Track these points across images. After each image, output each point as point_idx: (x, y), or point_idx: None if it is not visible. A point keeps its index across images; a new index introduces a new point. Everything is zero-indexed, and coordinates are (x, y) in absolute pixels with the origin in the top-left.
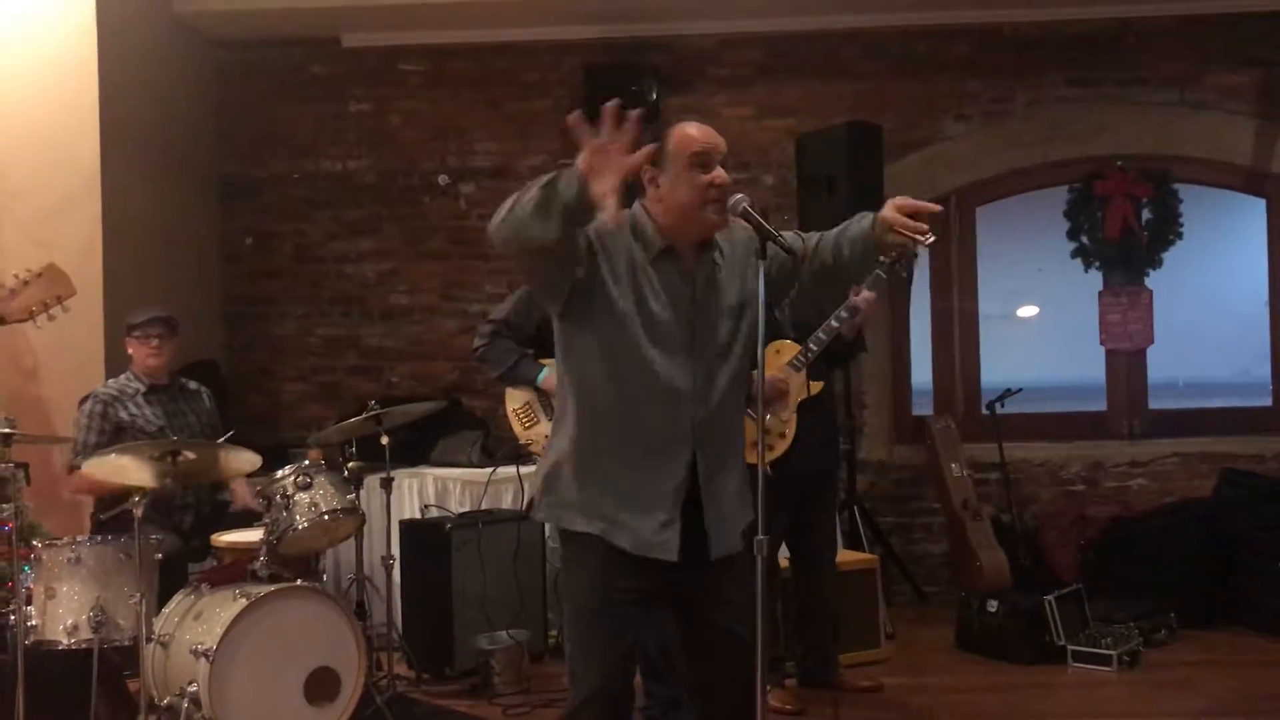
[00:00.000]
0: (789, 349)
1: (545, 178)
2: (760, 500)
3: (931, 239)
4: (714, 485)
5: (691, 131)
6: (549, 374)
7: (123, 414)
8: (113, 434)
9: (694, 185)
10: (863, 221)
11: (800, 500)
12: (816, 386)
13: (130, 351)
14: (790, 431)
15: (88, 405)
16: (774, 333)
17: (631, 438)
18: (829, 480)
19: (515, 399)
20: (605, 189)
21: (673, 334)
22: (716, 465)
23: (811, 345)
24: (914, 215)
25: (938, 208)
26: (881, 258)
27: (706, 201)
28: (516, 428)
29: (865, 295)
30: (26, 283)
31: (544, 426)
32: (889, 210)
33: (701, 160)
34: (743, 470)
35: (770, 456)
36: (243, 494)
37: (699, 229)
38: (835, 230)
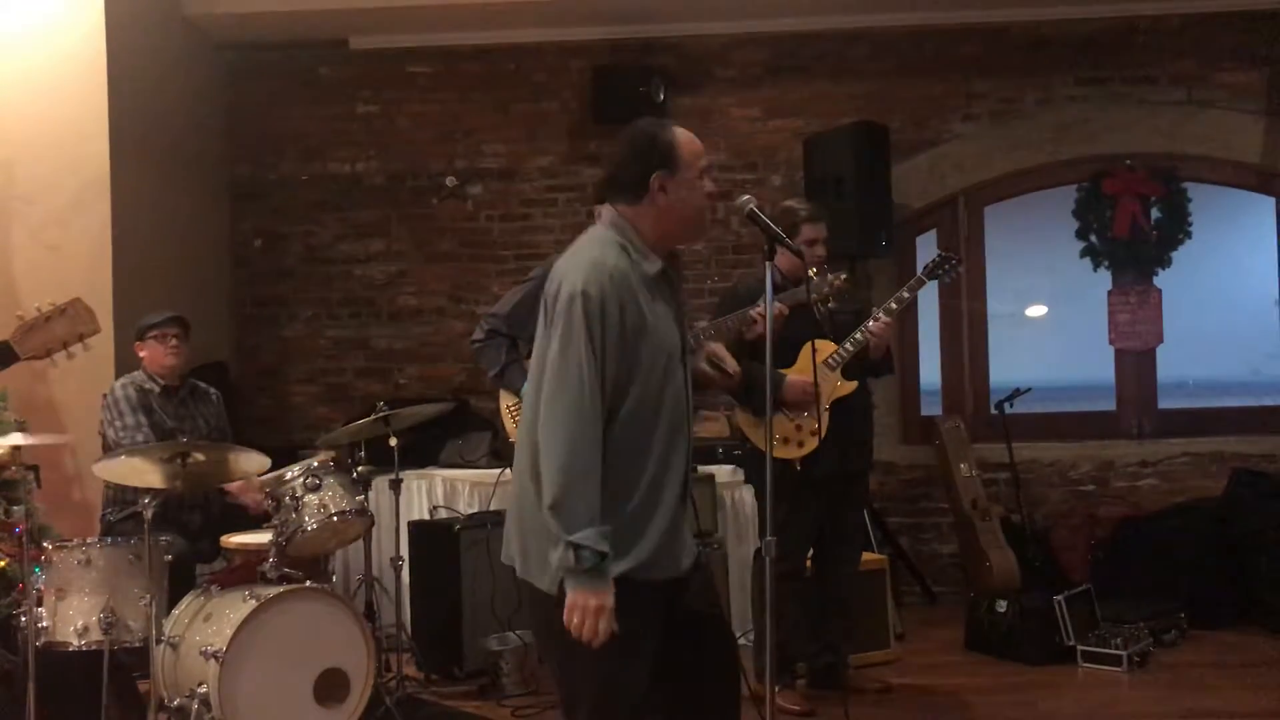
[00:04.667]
0: (826, 347)
1: (586, 559)
2: (769, 499)
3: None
4: (689, 490)
5: (699, 144)
6: None
7: (154, 404)
8: (151, 420)
9: (703, 195)
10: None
11: (830, 500)
12: (849, 386)
13: (143, 355)
14: (822, 429)
15: (118, 392)
16: (814, 331)
17: (653, 461)
18: (860, 482)
19: (509, 397)
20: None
21: (675, 352)
22: (691, 470)
23: (848, 345)
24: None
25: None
26: (928, 263)
27: (707, 212)
28: (509, 425)
29: (881, 322)
30: (48, 318)
31: None
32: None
33: (707, 172)
34: None
35: (800, 454)
36: (248, 496)
37: (689, 238)
38: None
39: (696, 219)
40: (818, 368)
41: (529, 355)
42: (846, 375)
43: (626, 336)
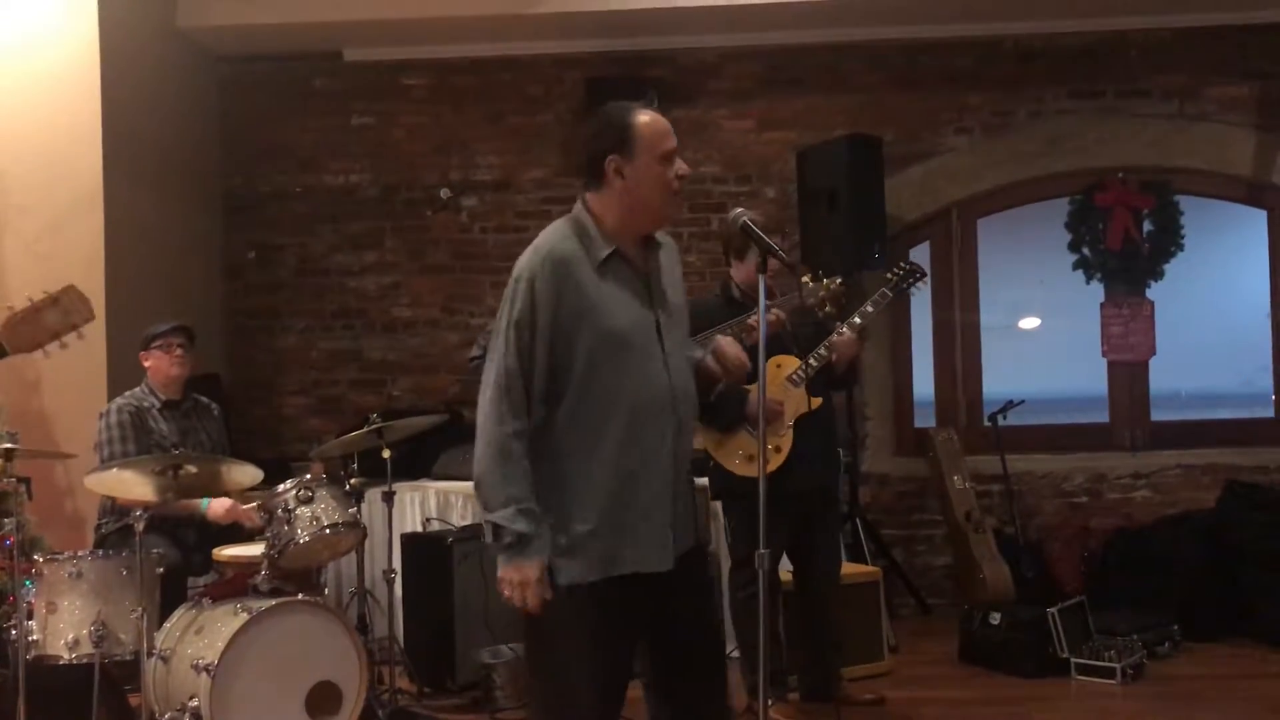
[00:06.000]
0: (789, 363)
1: (505, 536)
2: (761, 513)
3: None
4: (681, 481)
5: (662, 126)
6: None
7: (151, 423)
8: (146, 443)
9: (664, 180)
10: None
11: (801, 515)
12: (815, 402)
13: (148, 364)
14: (786, 446)
15: (113, 416)
16: (778, 347)
17: (616, 446)
18: (830, 495)
19: None
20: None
21: (640, 335)
22: (683, 460)
23: (812, 361)
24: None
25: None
26: (889, 275)
27: (673, 195)
28: None
29: (845, 336)
30: (39, 309)
31: None
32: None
33: (672, 158)
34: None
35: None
36: (229, 512)
37: (655, 223)
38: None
39: (659, 203)
40: (781, 384)
41: None
42: (811, 391)
43: (562, 319)
